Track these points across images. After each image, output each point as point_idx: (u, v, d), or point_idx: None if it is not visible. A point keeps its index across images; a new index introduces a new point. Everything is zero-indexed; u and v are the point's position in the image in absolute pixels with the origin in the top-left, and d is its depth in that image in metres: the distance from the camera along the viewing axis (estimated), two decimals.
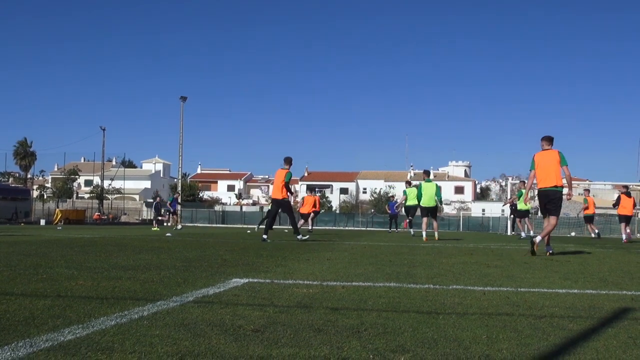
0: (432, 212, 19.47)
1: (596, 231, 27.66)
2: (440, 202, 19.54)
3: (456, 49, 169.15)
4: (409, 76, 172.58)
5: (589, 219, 28.44)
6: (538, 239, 11.05)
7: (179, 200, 34.17)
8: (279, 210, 16.15)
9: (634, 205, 25.00)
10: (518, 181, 33.44)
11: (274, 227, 30.00)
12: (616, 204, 23.97)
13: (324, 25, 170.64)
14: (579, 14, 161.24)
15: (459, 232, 48.81)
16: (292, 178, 16.21)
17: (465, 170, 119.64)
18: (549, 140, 11.42)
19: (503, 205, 30.03)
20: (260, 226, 32.71)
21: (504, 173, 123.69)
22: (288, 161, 15.87)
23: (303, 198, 27.59)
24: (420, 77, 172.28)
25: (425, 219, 19.59)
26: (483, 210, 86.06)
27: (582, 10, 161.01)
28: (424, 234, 19.10)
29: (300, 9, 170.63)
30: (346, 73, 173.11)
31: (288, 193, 15.83)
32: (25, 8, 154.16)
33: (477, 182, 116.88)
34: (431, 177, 20.48)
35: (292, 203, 16.95)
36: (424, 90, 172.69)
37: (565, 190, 11.47)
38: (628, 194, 23.89)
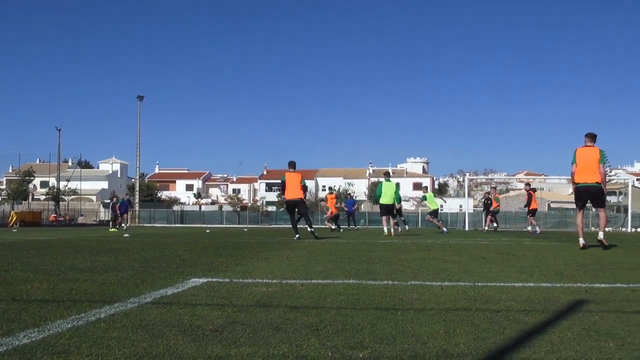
0: (391, 210, 21.07)
1: (494, 225, 30.63)
2: (399, 201, 20.81)
3: (412, 45, 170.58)
4: (367, 73, 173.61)
5: (495, 213, 30.74)
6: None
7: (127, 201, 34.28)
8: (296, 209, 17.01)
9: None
10: (424, 184, 36.17)
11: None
12: (529, 202, 26.36)
13: (282, 22, 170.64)
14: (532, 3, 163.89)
15: (417, 228, 49.19)
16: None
17: (423, 166, 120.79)
18: (592, 137, 11.73)
19: (489, 209, 31.30)
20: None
21: (461, 169, 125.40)
22: (293, 165, 16.82)
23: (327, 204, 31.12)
24: (377, 74, 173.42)
25: (384, 217, 20.85)
26: (441, 206, 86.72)
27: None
28: (385, 229, 20.38)
29: (254, 5, 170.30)
30: (303, 70, 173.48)
31: (304, 193, 16.72)
32: None
33: (435, 178, 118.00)
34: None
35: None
36: (382, 88, 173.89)
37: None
38: (534, 190, 26.99)
